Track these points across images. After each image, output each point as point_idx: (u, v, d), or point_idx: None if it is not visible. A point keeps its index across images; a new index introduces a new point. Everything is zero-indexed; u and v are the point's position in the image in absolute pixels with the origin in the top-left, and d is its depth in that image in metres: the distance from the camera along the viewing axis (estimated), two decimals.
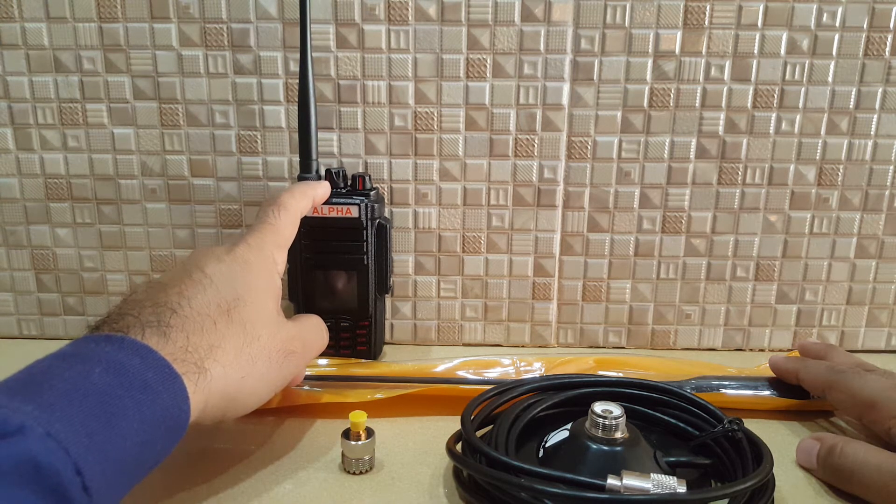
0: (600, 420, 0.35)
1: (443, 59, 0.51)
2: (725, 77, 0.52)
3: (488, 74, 0.52)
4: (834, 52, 0.51)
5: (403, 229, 0.55)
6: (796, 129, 0.53)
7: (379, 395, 0.44)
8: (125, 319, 0.31)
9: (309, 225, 0.48)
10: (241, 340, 0.34)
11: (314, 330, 0.41)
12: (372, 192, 0.49)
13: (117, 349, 0.29)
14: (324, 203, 0.48)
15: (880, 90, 0.52)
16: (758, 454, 0.35)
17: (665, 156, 0.53)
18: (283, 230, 0.41)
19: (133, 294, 0.34)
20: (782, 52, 0.51)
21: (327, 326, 0.43)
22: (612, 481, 0.31)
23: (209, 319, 0.33)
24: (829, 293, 0.56)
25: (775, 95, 0.52)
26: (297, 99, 0.48)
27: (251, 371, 0.34)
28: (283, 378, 0.37)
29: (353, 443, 0.38)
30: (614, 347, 0.58)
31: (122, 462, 0.27)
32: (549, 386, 0.42)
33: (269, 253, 0.39)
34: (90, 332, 0.31)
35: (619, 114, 0.52)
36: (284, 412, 0.44)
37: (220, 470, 0.38)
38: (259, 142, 0.53)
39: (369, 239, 0.49)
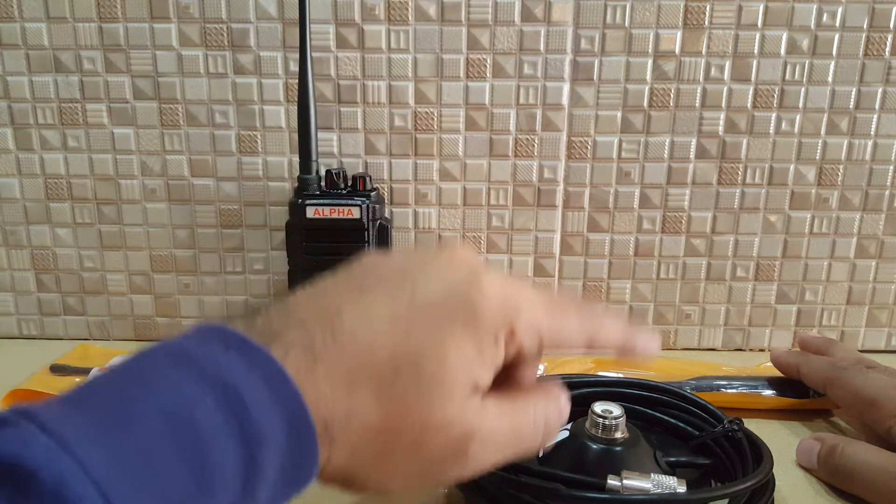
0: (600, 420, 0.35)
1: (443, 59, 0.51)
2: (725, 77, 0.52)
3: (488, 74, 0.52)
4: (834, 52, 0.51)
5: (403, 229, 0.55)
6: (796, 129, 0.53)
7: None
8: (279, 346, 0.22)
9: (310, 226, 0.48)
10: (391, 420, 0.23)
11: (523, 429, 0.27)
12: (373, 193, 0.49)
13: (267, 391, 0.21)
14: (324, 204, 0.48)
15: (880, 90, 0.52)
16: (758, 454, 0.35)
17: (665, 156, 0.53)
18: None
19: (296, 311, 0.24)
20: (782, 52, 0.51)
21: None
22: (612, 481, 0.31)
23: (362, 377, 0.23)
24: (829, 293, 0.56)
25: (775, 95, 0.52)
26: (297, 99, 0.48)
27: (385, 467, 0.24)
28: (425, 483, 0.26)
29: None
30: None
31: None
32: None
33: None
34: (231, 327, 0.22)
35: (619, 114, 0.52)
36: None
37: None
38: (259, 142, 0.53)
39: (371, 240, 0.49)
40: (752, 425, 0.38)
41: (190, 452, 0.19)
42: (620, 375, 0.46)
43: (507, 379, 0.27)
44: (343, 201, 0.48)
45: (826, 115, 0.52)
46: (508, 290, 0.26)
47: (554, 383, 0.29)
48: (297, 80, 0.49)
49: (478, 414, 0.25)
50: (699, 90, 0.52)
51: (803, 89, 0.52)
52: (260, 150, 0.53)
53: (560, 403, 0.28)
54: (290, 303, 0.24)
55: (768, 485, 0.33)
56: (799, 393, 0.45)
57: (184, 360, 0.20)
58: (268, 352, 0.21)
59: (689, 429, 0.39)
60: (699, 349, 0.58)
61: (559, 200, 0.54)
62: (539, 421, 0.27)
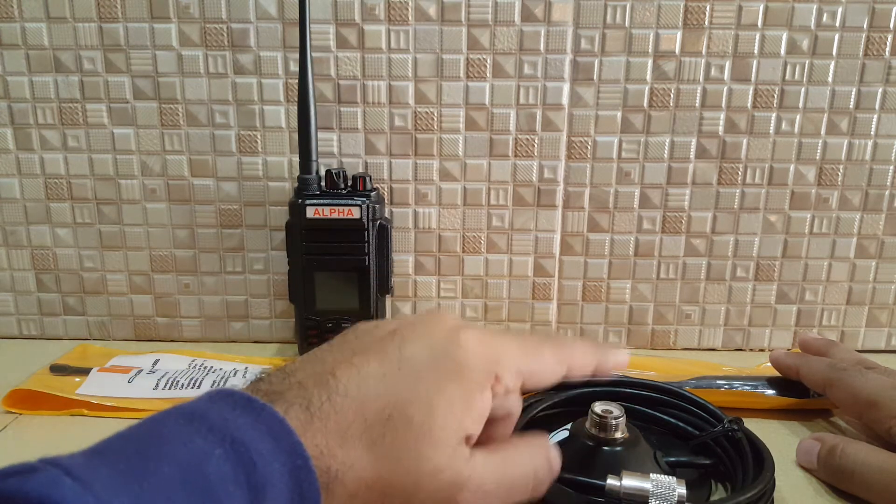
0: (600, 420, 0.35)
1: (443, 59, 0.51)
2: (725, 77, 0.52)
3: (488, 74, 0.52)
4: (834, 52, 0.51)
5: (403, 229, 0.55)
6: (796, 129, 0.53)
7: None
8: (281, 403, 0.25)
9: (311, 226, 0.48)
10: (383, 471, 0.25)
11: (514, 479, 0.28)
12: (373, 193, 0.49)
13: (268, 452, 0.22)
14: (324, 204, 0.48)
15: (880, 90, 0.52)
16: (758, 454, 0.35)
17: (665, 156, 0.53)
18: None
19: (296, 373, 0.27)
20: (782, 52, 0.51)
21: (329, 327, 0.41)
22: (611, 481, 0.31)
23: (353, 430, 0.25)
24: (829, 293, 0.56)
25: (775, 95, 0.52)
26: (297, 99, 0.48)
27: None
28: None
29: None
30: None
31: None
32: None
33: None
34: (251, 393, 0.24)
35: (619, 114, 0.52)
36: None
37: None
38: (259, 142, 0.53)
39: (370, 240, 0.49)
40: (752, 425, 0.38)
41: (201, 500, 0.20)
42: (620, 375, 0.46)
43: (492, 434, 0.29)
44: (343, 201, 0.48)
45: (826, 115, 0.52)
46: (487, 341, 0.28)
47: (541, 436, 0.31)
48: (297, 80, 0.49)
49: (467, 463, 0.26)
50: (699, 90, 0.52)
51: (803, 89, 0.52)
52: (260, 150, 0.53)
53: (549, 454, 0.30)
54: (289, 368, 0.27)
55: (768, 485, 0.33)
56: (799, 393, 0.45)
57: (195, 417, 0.22)
58: (272, 408, 0.23)
59: (689, 429, 0.39)
60: (699, 349, 0.58)
61: (559, 200, 0.54)
62: (528, 471, 0.29)
